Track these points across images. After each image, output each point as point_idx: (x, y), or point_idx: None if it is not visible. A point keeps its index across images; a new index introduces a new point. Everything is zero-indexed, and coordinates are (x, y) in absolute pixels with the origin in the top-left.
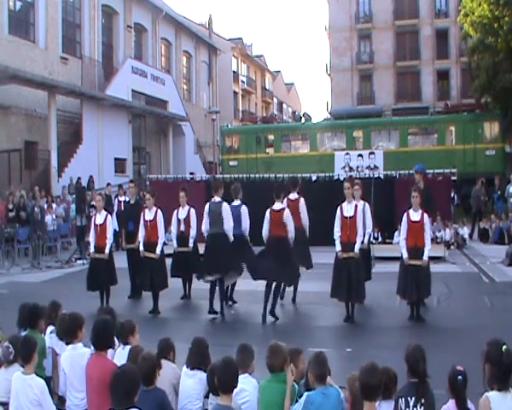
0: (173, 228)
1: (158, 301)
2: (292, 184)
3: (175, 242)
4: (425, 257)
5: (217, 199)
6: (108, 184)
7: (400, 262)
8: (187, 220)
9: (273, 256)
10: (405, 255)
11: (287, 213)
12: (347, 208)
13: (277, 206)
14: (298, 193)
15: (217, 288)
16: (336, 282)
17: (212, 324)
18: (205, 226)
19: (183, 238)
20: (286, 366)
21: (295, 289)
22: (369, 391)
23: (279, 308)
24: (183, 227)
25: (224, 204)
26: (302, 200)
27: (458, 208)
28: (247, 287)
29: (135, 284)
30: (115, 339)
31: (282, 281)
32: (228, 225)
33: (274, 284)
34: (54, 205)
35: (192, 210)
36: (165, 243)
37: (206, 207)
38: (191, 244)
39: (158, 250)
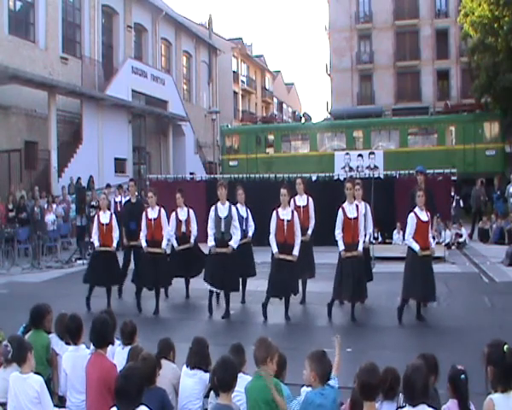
0: (172, 229)
1: (159, 300)
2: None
3: (175, 242)
4: (432, 246)
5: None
6: (108, 186)
7: (406, 262)
8: (187, 221)
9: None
10: (417, 247)
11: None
12: (349, 209)
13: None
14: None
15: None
16: (339, 283)
17: (212, 324)
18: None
19: (184, 239)
20: (268, 361)
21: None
22: (369, 391)
23: (279, 308)
24: (184, 228)
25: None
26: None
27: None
28: (248, 287)
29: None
30: (116, 339)
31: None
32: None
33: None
34: (54, 205)
35: (191, 211)
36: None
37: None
38: (192, 240)
39: (164, 245)
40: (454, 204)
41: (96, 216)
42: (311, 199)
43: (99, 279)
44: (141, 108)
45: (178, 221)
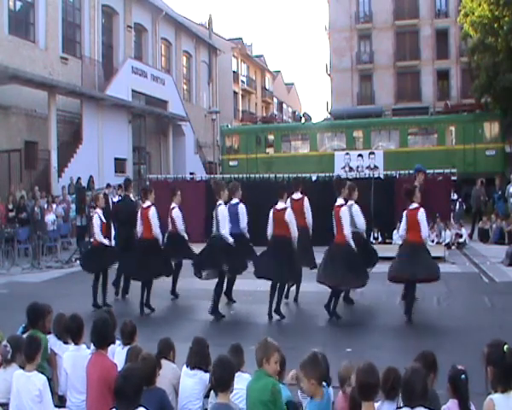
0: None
1: (149, 294)
2: (295, 184)
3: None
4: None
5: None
6: (108, 185)
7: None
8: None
9: (275, 256)
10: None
11: (289, 212)
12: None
13: (280, 205)
14: (301, 192)
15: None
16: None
17: (212, 324)
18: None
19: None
20: (265, 362)
21: (298, 289)
22: (367, 391)
23: (282, 308)
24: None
25: (222, 207)
26: (306, 199)
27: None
28: (248, 287)
29: (118, 283)
30: (116, 339)
31: (284, 281)
32: (224, 228)
33: (278, 283)
34: (53, 205)
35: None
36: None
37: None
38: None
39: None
40: (457, 206)
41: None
42: (306, 198)
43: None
44: (141, 108)
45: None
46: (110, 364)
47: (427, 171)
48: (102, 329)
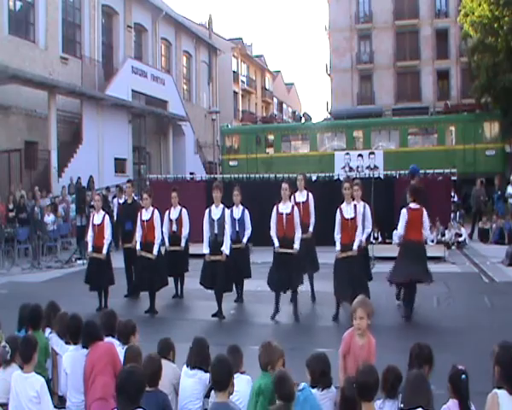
0: (165, 228)
1: (154, 300)
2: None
3: (167, 241)
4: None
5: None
6: (107, 188)
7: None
8: (179, 220)
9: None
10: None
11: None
12: (347, 210)
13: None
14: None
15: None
16: (338, 282)
17: (212, 324)
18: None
19: (174, 238)
20: (269, 368)
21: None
22: (366, 391)
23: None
24: (175, 227)
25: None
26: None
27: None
28: (248, 287)
29: (131, 284)
30: (116, 340)
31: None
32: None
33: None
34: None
35: (184, 210)
36: (163, 243)
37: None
38: (183, 244)
39: (155, 250)
40: (458, 213)
41: (91, 217)
42: (311, 195)
43: (94, 283)
44: (141, 108)
45: (169, 220)
46: (108, 344)
47: (427, 171)
48: (92, 331)
